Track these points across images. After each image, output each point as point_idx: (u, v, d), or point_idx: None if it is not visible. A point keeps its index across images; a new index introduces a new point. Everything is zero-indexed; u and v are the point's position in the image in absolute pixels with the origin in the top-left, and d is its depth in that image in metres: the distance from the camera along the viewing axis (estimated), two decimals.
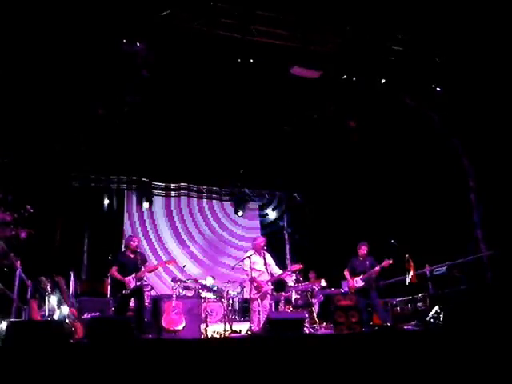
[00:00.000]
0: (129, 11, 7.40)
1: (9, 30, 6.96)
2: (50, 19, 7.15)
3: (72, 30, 7.39)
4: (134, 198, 12.68)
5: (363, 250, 8.34)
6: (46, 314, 6.17)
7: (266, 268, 7.77)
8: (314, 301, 9.12)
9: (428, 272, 9.00)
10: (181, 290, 9.20)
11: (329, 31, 8.03)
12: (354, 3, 7.49)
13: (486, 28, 7.39)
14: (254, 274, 7.58)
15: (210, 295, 9.29)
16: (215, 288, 9.62)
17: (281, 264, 8.96)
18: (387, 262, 7.96)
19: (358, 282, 8.14)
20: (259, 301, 7.64)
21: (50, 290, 6.27)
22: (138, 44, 7.82)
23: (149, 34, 7.74)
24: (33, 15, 7.00)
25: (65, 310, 6.32)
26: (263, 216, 14.16)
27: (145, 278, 8.03)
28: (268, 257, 7.93)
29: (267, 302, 7.87)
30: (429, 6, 7.29)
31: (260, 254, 7.84)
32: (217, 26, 7.71)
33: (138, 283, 7.41)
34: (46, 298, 6.17)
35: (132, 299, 7.69)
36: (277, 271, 7.88)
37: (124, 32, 7.68)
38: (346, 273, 8.45)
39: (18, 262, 6.68)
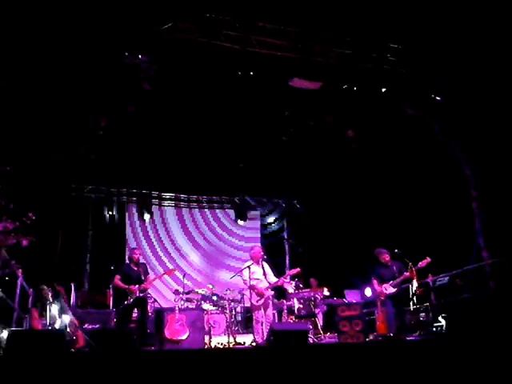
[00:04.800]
0: (131, 24, 7.49)
1: (12, 38, 7.03)
2: (55, 32, 7.24)
3: (76, 43, 7.48)
4: (135, 210, 12.72)
5: (385, 257, 8.02)
6: (47, 323, 6.14)
7: (265, 277, 7.79)
8: (317, 311, 9.05)
9: (431, 282, 8.94)
10: (182, 302, 9.18)
11: (329, 42, 8.11)
12: (354, 14, 7.58)
13: (485, 36, 7.46)
14: (253, 283, 7.61)
15: (211, 307, 9.22)
16: (215, 298, 9.57)
17: (281, 271, 8.95)
18: (426, 262, 7.65)
19: (388, 288, 7.82)
20: (263, 311, 7.61)
21: (51, 298, 6.25)
22: (140, 57, 7.90)
23: (151, 47, 7.83)
24: (37, 27, 7.08)
25: (66, 319, 6.28)
26: (264, 224, 14.17)
27: (148, 290, 8.06)
28: (266, 266, 7.95)
29: (270, 311, 7.84)
30: (428, 16, 7.38)
31: (258, 264, 7.86)
32: (218, 37, 7.79)
33: (140, 294, 7.50)
34: (48, 306, 6.15)
35: (135, 310, 7.71)
36: (273, 279, 7.87)
37: (126, 44, 7.77)
38: (374, 281, 8.07)
39: (20, 270, 6.66)
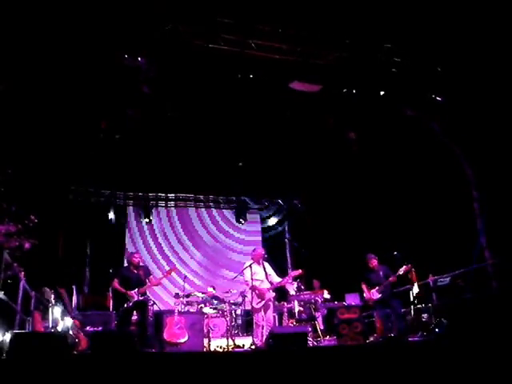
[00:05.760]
0: (131, 26, 7.53)
1: (12, 41, 7.06)
2: (55, 35, 7.27)
3: (75, 46, 7.51)
4: (135, 212, 12.78)
5: (373, 262, 8.16)
6: (50, 326, 6.14)
7: (267, 277, 7.80)
8: (317, 314, 9.04)
9: (432, 283, 8.96)
10: (183, 306, 9.19)
11: (328, 44, 8.14)
12: (353, 17, 7.61)
13: (485, 35, 7.48)
14: (255, 284, 7.61)
15: (211, 311, 9.22)
16: (215, 301, 9.57)
17: (282, 272, 8.93)
18: (404, 269, 7.75)
19: (375, 294, 7.97)
20: (263, 313, 7.61)
21: (53, 301, 6.25)
22: (139, 59, 7.93)
23: (150, 49, 7.86)
24: (37, 30, 7.10)
25: (68, 321, 6.29)
26: (264, 224, 14.24)
27: (148, 293, 8.03)
28: (268, 267, 7.98)
29: (271, 313, 7.83)
30: (427, 16, 7.41)
31: (260, 264, 7.87)
32: (217, 40, 7.83)
33: (141, 298, 7.46)
34: (50, 309, 6.15)
35: (135, 313, 7.70)
36: (277, 279, 7.89)
37: (126, 47, 7.80)
38: (363, 286, 8.23)
39: (22, 273, 6.66)
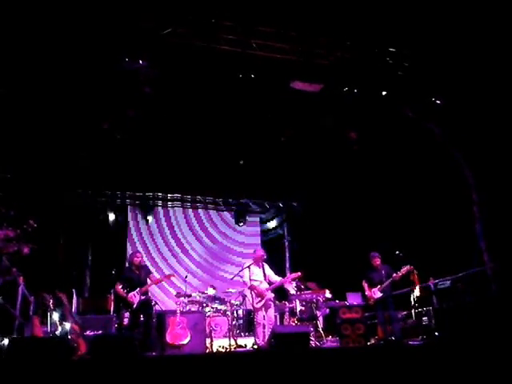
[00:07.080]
0: (131, 29, 7.51)
1: (11, 43, 7.05)
2: (55, 38, 7.25)
3: (75, 48, 7.50)
4: (136, 213, 12.80)
5: (376, 260, 8.13)
6: (49, 331, 6.14)
7: (265, 278, 7.85)
8: (318, 313, 9.03)
9: (432, 285, 8.93)
10: (184, 306, 9.17)
11: (329, 45, 8.11)
12: (354, 18, 7.59)
13: (485, 38, 7.46)
14: (254, 284, 7.67)
15: (214, 305, 9.22)
16: (217, 301, 9.58)
17: (281, 273, 8.96)
18: (405, 269, 7.73)
19: (376, 292, 7.93)
20: (264, 312, 7.65)
21: (52, 306, 6.25)
22: (140, 62, 7.93)
23: (151, 51, 7.85)
24: (38, 34, 7.10)
25: (67, 326, 6.28)
26: (264, 225, 14.26)
27: (149, 293, 8.00)
28: (267, 268, 8.03)
29: (272, 312, 7.86)
30: (427, 19, 7.38)
31: (259, 266, 7.93)
32: (218, 42, 7.82)
33: (142, 297, 7.44)
34: (48, 314, 6.15)
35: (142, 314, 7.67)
36: (276, 279, 7.94)
37: (127, 50, 7.79)
38: (364, 284, 8.21)
39: (21, 278, 6.65)
